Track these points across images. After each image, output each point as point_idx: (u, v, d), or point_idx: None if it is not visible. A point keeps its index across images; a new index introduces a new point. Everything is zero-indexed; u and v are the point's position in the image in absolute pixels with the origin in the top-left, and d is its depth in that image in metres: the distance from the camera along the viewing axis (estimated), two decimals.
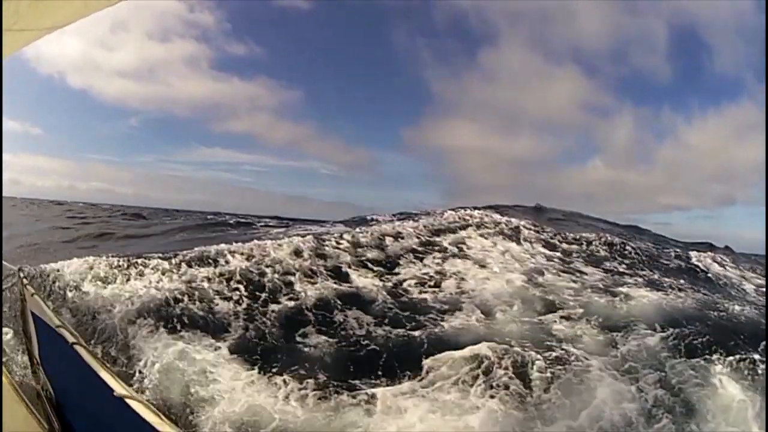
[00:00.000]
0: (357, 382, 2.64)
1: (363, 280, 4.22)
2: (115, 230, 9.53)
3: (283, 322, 3.31)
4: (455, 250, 5.65)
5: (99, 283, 3.82)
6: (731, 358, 2.90)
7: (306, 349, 3.00)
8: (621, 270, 5.47)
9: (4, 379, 1.37)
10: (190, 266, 4.13)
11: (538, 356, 2.91)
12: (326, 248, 4.99)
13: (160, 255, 4.36)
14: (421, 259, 5.12)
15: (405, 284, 4.26)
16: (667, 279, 5.22)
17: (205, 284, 3.78)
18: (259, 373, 2.67)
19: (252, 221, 10.45)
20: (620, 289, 4.42)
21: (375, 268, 4.59)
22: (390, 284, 4.22)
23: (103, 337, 3.14)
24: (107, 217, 13.50)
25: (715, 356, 2.94)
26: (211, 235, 6.96)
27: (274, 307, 3.55)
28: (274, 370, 2.71)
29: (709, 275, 5.83)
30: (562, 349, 3.11)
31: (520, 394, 2.50)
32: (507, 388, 2.53)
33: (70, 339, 1.17)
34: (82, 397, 1.19)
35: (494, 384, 2.55)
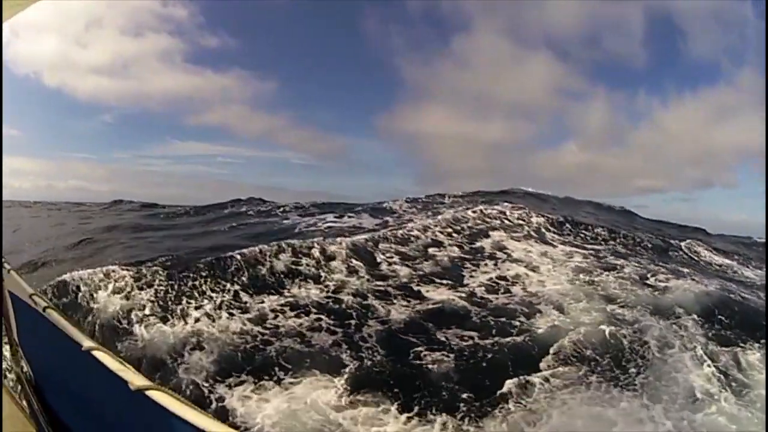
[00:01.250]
0: (496, 392, 2.98)
1: (439, 295, 4.54)
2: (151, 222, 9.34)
3: (391, 347, 3.52)
4: (502, 255, 6.21)
5: (152, 320, 3.72)
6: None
7: (430, 370, 3.25)
8: (644, 262, 6.39)
9: None
10: (249, 294, 4.16)
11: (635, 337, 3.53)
12: (382, 267, 5.20)
13: (210, 281, 4.33)
14: (477, 267, 5.56)
15: (479, 293, 4.65)
16: (684, 269, 6.22)
17: (282, 320, 3.83)
18: (404, 409, 2.85)
19: (271, 208, 11.17)
20: (655, 281, 5.28)
21: (440, 281, 4.92)
22: (465, 294, 4.59)
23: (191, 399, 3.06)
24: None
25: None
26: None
27: (368, 331, 3.74)
28: (419, 401, 2.92)
29: (716, 263, 6.98)
30: (636, 332, 3.76)
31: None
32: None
33: (42, 304, 1.26)
34: (58, 372, 1.29)
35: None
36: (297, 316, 3.85)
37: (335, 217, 9.05)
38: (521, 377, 3.18)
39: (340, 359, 3.26)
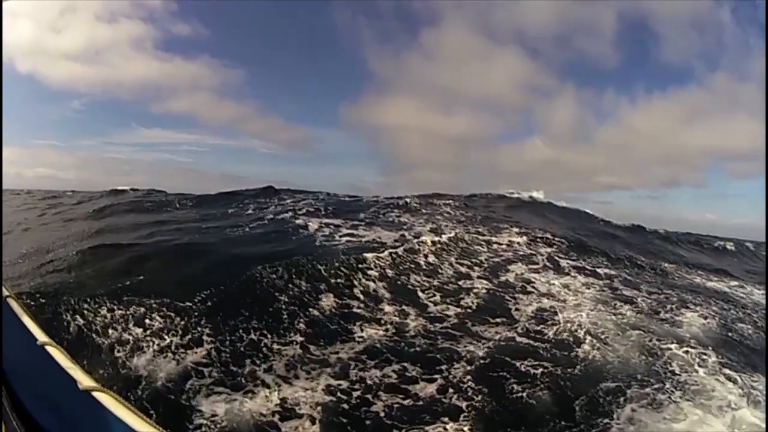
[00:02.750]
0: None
1: (501, 332, 5.19)
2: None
3: (489, 384, 4.05)
4: (530, 288, 7.04)
5: (221, 393, 3.82)
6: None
7: (533, 403, 3.83)
8: (654, 291, 7.65)
9: None
10: (320, 345, 4.44)
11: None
12: (431, 309, 5.74)
13: (269, 332, 4.57)
14: (516, 301, 6.31)
15: (531, 328, 5.38)
16: (687, 296, 7.58)
17: (367, 372, 4.13)
18: None
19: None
20: (667, 312, 6.53)
21: (493, 319, 5.58)
22: (522, 330, 5.29)
23: None
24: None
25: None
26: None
27: (461, 372, 4.23)
28: None
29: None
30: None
31: None
32: None
33: (5, 293, 1.42)
34: (20, 363, 1.43)
35: None
36: (379, 366, 4.19)
37: (344, 222, 9.90)
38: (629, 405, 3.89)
39: (455, 406, 3.68)
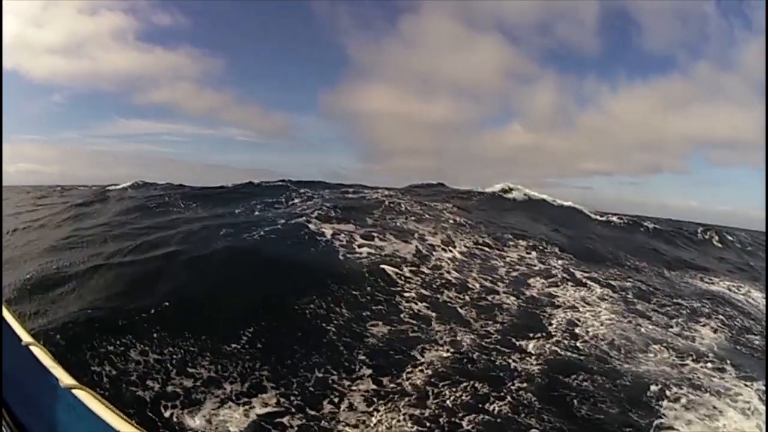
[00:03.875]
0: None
1: (542, 347, 6.01)
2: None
3: (552, 402, 4.82)
4: (555, 302, 7.94)
5: None
6: None
7: (598, 415, 4.64)
8: (664, 302, 8.80)
9: None
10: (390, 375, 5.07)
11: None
12: (474, 326, 6.50)
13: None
14: (547, 316, 7.17)
15: (568, 342, 6.24)
16: (695, 304, 8.80)
17: (444, 390, 4.76)
18: None
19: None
20: (679, 325, 7.65)
21: (533, 334, 6.40)
22: (562, 344, 6.13)
23: None
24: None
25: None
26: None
27: (523, 389, 4.97)
28: None
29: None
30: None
31: None
32: None
33: None
34: (8, 366, 1.51)
35: None
36: (452, 388, 4.82)
37: (356, 228, 10.59)
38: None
39: (530, 424, 4.40)
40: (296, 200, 14.42)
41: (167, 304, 5.94)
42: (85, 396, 1.26)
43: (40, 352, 1.45)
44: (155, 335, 5.22)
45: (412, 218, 12.90)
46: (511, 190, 21.21)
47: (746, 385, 5.61)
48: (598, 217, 19.31)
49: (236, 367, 4.88)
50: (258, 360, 5.03)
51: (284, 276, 7.44)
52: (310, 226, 10.32)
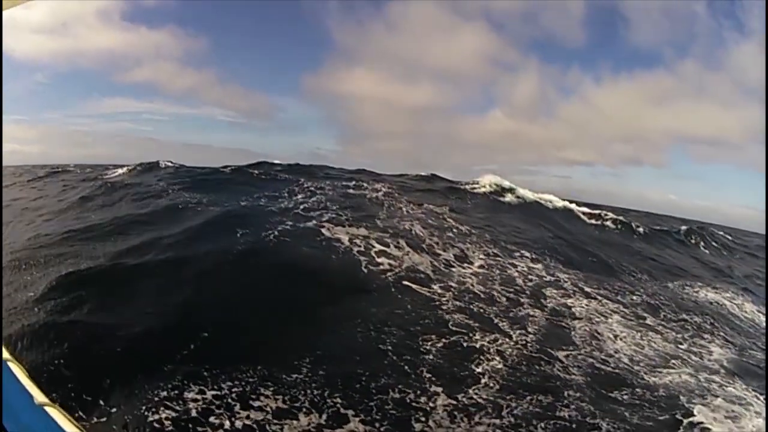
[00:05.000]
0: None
1: (576, 359, 7.04)
2: None
3: (605, 412, 5.84)
4: (573, 313, 9.05)
5: None
6: None
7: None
8: (671, 317, 10.16)
9: None
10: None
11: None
12: (512, 334, 7.46)
13: None
14: (573, 330, 8.24)
15: (597, 355, 7.32)
16: (698, 319, 10.19)
17: (488, 395, 5.75)
18: None
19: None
20: (687, 340, 9.00)
21: (566, 346, 7.44)
22: (596, 355, 7.19)
23: None
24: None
25: None
26: None
27: (577, 399, 5.97)
28: None
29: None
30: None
31: None
32: None
33: None
34: None
35: None
36: (519, 400, 5.71)
37: (369, 233, 11.42)
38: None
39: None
40: (299, 195, 14.98)
41: (206, 335, 6.18)
42: (56, 414, 1.41)
43: (16, 369, 1.60)
44: (205, 372, 5.36)
45: (417, 223, 13.74)
46: (503, 191, 22.54)
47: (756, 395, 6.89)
48: (593, 221, 20.97)
49: (305, 395, 5.18)
50: (325, 386, 5.37)
51: (317, 291, 8.06)
52: (325, 232, 10.98)
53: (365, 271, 9.23)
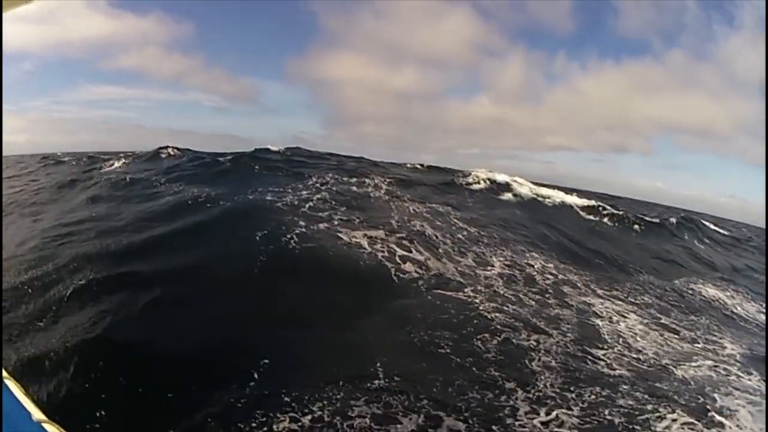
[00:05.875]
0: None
1: (617, 358, 8.12)
2: None
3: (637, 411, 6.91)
4: (595, 311, 10.18)
5: None
6: None
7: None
8: (682, 318, 11.48)
9: None
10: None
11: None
12: (553, 334, 8.48)
13: None
14: (601, 329, 9.34)
15: (629, 354, 8.42)
16: (707, 320, 11.54)
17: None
18: None
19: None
20: (701, 338, 10.27)
21: (601, 345, 8.51)
22: (627, 353, 8.29)
23: None
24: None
25: None
26: None
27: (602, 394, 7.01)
28: None
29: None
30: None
31: None
32: None
33: None
34: None
35: None
36: (584, 390, 6.75)
37: (387, 235, 12.24)
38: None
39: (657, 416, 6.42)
40: (303, 192, 15.70)
41: (267, 361, 6.39)
42: (54, 430, 1.53)
43: (14, 387, 1.72)
44: (287, 398, 5.69)
45: (427, 225, 14.64)
46: (500, 188, 23.81)
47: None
48: (591, 216, 22.45)
49: (396, 400, 5.87)
50: (406, 390, 6.07)
51: (357, 299, 8.78)
52: (343, 236, 11.74)
53: (396, 279, 10.04)
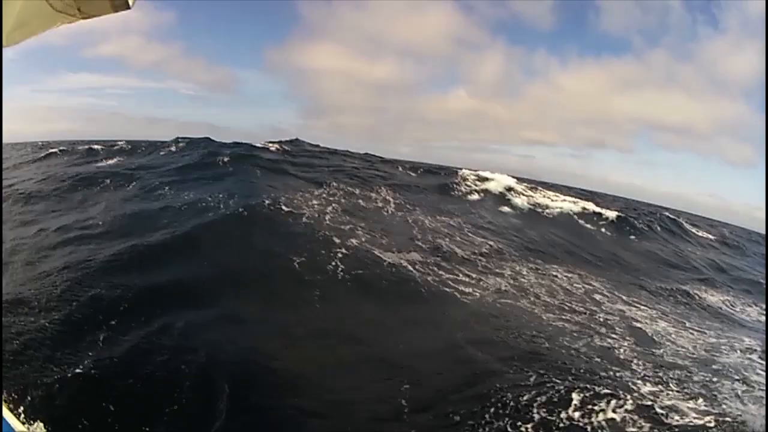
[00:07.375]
0: None
1: (671, 355, 10.71)
2: None
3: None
4: (630, 315, 12.84)
5: None
6: None
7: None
8: (696, 325, 14.41)
9: None
10: None
11: None
12: (607, 338, 10.99)
13: None
14: (643, 333, 11.95)
15: (686, 350, 11.06)
16: (714, 324, 14.58)
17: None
18: None
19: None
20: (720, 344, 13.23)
21: (646, 348, 11.10)
22: (673, 354, 10.90)
23: None
24: None
25: None
26: None
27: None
28: None
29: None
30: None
31: None
32: None
33: None
34: None
35: None
36: (664, 389, 9.23)
37: (422, 257, 14.06)
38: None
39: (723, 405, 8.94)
40: (314, 203, 18.05)
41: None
42: None
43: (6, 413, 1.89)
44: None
45: (451, 242, 16.75)
46: (498, 199, 26.63)
47: None
48: (588, 226, 25.63)
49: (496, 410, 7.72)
50: (519, 396, 7.79)
51: (452, 328, 10.68)
52: (386, 259, 13.52)
53: (465, 301, 11.97)
